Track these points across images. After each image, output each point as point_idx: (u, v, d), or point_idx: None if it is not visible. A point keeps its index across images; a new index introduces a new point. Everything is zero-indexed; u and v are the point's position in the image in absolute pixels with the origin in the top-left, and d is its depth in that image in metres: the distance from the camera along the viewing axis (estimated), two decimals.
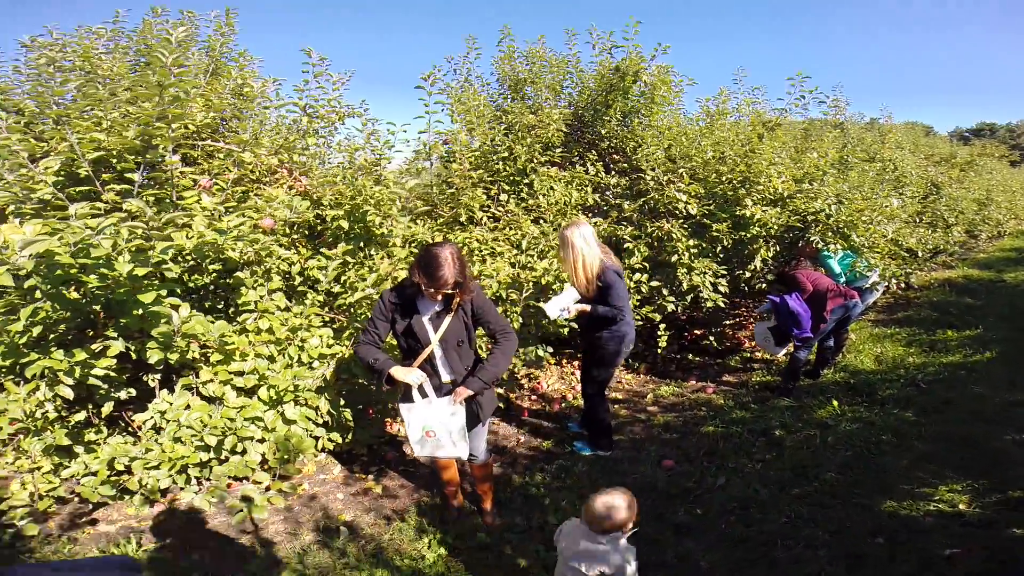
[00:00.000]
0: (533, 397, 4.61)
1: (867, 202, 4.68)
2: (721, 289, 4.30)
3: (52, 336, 2.58)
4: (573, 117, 5.58)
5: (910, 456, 3.25)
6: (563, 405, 4.39)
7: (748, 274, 4.70)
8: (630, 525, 1.83)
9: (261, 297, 3.15)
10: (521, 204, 4.46)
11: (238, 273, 3.13)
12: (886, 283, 4.87)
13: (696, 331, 5.85)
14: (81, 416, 2.85)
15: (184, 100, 2.91)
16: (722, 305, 4.32)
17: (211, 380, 2.87)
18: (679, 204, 4.31)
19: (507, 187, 4.58)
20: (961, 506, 2.68)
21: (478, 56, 5.57)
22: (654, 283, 4.17)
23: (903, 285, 7.23)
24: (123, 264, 2.27)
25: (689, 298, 4.39)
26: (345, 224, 3.35)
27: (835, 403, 4.02)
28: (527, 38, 6.18)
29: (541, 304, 3.17)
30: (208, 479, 2.85)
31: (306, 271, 3.34)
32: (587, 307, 3.13)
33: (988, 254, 11.89)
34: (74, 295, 2.52)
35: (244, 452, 2.86)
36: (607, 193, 5.10)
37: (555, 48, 5.76)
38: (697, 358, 5.35)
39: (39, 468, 2.76)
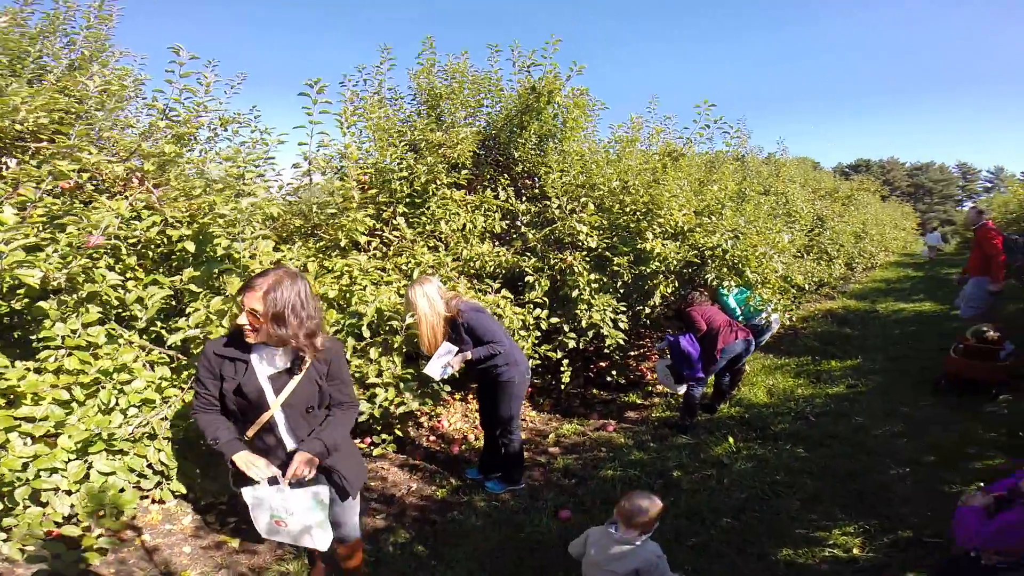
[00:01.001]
0: (432, 437, 4.23)
1: (760, 236, 4.79)
2: (621, 326, 4.19)
3: None
4: (488, 137, 5.34)
5: (802, 496, 3.22)
6: (463, 447, 4.06)
7: (648, 310, 4.64)
8: (655, 526, 2.04)
9: (73, 331, 2.57)
10: (417, 229, 4.11)
11: (41, 302, 2.53)
12: (780, 319, 5.01)
13: (602, 363, 5.76)
14: None
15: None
16: (622, 343, 4.20)
17: None
18: (580, 236, 4.15)
19: (404, 209, 4.21)
20: (855, 550, 2.65)
21: (392, 67, 5.26)
22: (554, 320, 3.97)
23: (792, 319, 7.63)
24: None
25: (591, 334, 4.24)
26: (191, 246, 2.82)
27: (731, 440, 4.00)
28: (451, 51, 5.86)
29: (424, 371, 3.03)
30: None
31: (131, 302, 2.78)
32: (468, 354, 3.02)
33: (863, 285, 12.97)
34: None
35: (46, 504, 2.43)
36: (518, 221, 4.90)
37: (478, 64, 5.53)
38: (601, 392, 5.22)
39: None
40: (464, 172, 4.48)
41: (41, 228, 2.60)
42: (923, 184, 52.41)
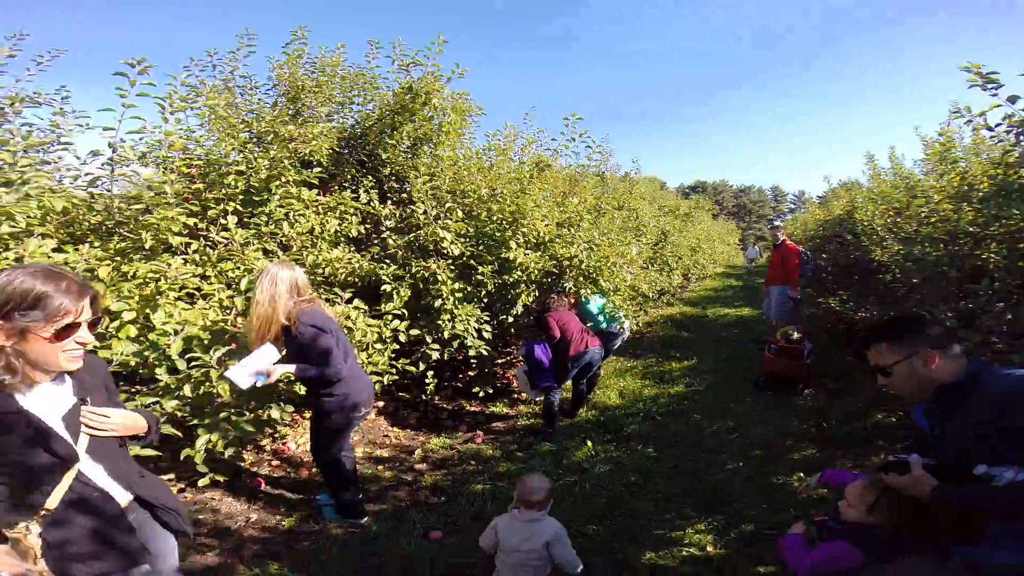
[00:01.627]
0: (275, 462, 3.74)
1: (612, 248, 5.09)
2: (486, 336, 4.12)
3: None
4: (355, 136, 4.97)
5: (655, 496, 3.40)
6: (313, 471, 3.61)
7: (511, 319, 4.65)
8: (550, 502, 2.29)
9: None
10: (253, 231, 3.61)
11: None
12: (630, 326, 5.36)
13: (471, 372, 5.66)
14: None
15: None
16: (485, 353, 4.14)
17: None
18: (444, 243, 4.01)
19: (237, 207, 3.65)
20: (709, 548, 2.80)
21: (250, 54, 4.67)
22: (414, 332, 3.76)
23: (640, 325, 8.28)
24: None
25: (455, 345, 4.11)
26: None
27: (589, 444, 4.13)
28: (326, 44, 5.36)
29: (226, 373, 2.41)
30: None
31: None
32: (291, 369, 2.52)
33: (696, 293, 14.67)
34: None
35: None
36: (381, 226, 4.59)
37: (356, 60, 5.14)
38: (470, 403, 5.11)
39: None
40: (317, 170, 4.06)
41: None
42: (745, 204, 61.70)
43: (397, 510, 3.23)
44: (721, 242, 23.24)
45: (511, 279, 4.29)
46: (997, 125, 3.09)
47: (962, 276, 3.79)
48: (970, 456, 1.41)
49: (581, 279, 4.76)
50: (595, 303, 4.96)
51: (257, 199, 3.72)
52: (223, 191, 3.58)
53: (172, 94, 3.45)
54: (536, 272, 4.43)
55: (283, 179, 3.77)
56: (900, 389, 1.57)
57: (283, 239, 3.78)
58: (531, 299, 4.62)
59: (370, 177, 4.72)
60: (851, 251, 6.99)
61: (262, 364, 2.42)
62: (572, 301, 4.83)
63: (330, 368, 2.52)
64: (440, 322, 3.81)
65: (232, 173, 3.62)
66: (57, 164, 3.50)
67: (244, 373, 2.36)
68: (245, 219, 3.68)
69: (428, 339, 3.88)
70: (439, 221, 4.11)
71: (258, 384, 2.43)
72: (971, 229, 4.00)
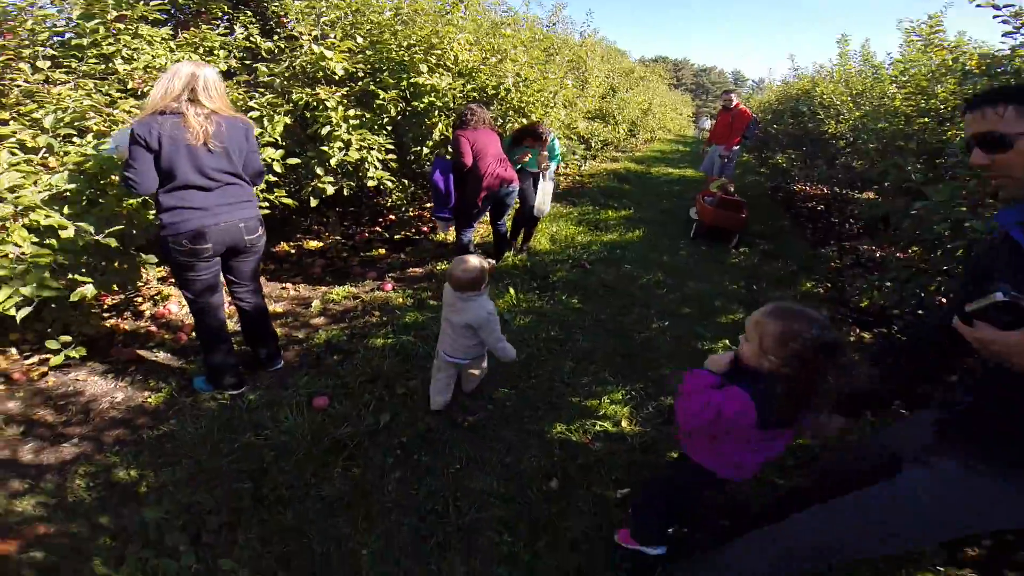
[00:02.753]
0: (154, 327, 3.22)
1: (546, 81, 4.42)
2: (392, 167, 3.52)
3: None
4: None
5: (575, 355, 3.11)
6: (194, 335, 3.12)
7: (427, 150, 4.02)
8: (485, 282, 2.21)
9: None
10: (79, 70, 2.88)
11: None
12: (557, 167, 4.78)
13: (391, 217, 5.12)
14: None
15: None
16: (390, 184, 3.57)
17: None
18: (329, 65, 3.26)
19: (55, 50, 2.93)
20: (623, 423, 2.55)
21: None
22: (293, 161, 3.11)
23: (578, 169, 7.87)
24: None
25: (359, 176, 3.50)
26: None
27: (512, 291, 3.82)
28: None
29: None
30: None
31: None
32: (118, 154, 2.26)
33: (643, 153, 14.28)
34: None
35: None
36: (259, 60, 3.76)
37: None
38: (384, 250, 4.64)
39: None
40: (155, 3, 3.21)
41: None
42: (703, 84, 60.68)
43: (285, 372, 2.82)
44: (674, 111, 22.58)
45: (422, 105, 3.62)
46: (1006, 5, 2.50)
47: (920, 151, 3.50)
48: None
49: (511, 112, 4.13)
50: (557, 143, 4.30)
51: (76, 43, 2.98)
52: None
53: None
54: (455, 98, 3.80)
55: (105, 17, 2.97)
56: (1008, 170, 1.11)
57: (121, 76, 2.95)
58: (450, 128, 3.99)
59: (248, 12, 3.72)
60: (806, 122, 6.74)
61: (120, 139, 2.20)
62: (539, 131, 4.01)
63: (122, 180, 2.11)
64: (327, 148, 3.16)
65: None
66: None
67: (122, 136, 2.17)
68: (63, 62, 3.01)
69: (319, 170, 3.25)
70: (323, 41, 3.30)
71: (113, 151, 2.33)
72: (940, 107, 3.65)
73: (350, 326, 3.33)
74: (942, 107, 3.69)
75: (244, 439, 2.29)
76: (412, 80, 3.64)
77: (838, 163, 5.48)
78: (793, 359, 1.19)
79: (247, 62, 3.79)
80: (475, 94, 4.07)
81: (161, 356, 2.93)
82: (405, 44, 3.81)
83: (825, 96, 6.47)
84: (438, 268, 4.31)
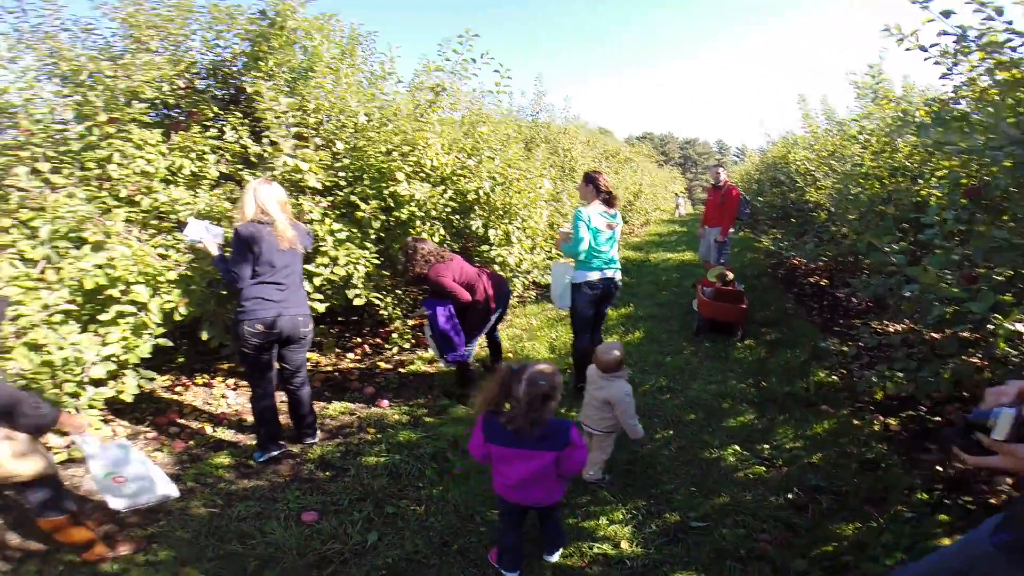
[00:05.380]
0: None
1: (523, 182, 4.49)
2: (385, 284, 3.58)
3: None
4: (213, 70, 4.20)
5: None
6: (192, 442, 3.18)
7: None
8: (623, 366, 2.67)
9: None
10: (76, 176, 2.97)
11: None
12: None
13: (390, 328, 5.13)
14: None
15: None
16: (377, 303, 3.62)
17: None
18: (304, 177, 3.40)
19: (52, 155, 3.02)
20: (623, 544, 2.34)
21: None
22: None
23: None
24: None
25: (351, 294, 3.56)
26: None
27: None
28: None
29: (188, 218, 2.91)
30: None
31: None
32: (213, 249, 2.82)
33: (640, 238, 14.20)
34: None
35: None
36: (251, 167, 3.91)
37: None
38: (383, 363, 4.61)
39: None
40: (140, 107, 3.35)
41: None
42: (690, 156, 62.58)
43: (275, 487, 2.78)
44: (665, 189, 23.12)
45: (404, 215, 3.71)
46: (932, 45, 2.55)
47: (900, 214, 3.47)
48: None
49: (493, 217, 4.24)
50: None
51: (73, 143, 3.11)
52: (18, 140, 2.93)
53: None
54: (435, 208, 3.84)
55: (96, 119, 3.14)
56: None
57: (114, 183, 3.12)
58: (437, 238, 4.04)
59: (238, 114, 3.99)
60: (786, 192, 6.83)
61: (209, 233, 2.83)
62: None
63: (226, 273, 2.73)
64: (312, 267, 3.24)
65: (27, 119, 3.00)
66: None
67: (199, 227, 2.81)
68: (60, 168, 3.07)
69: (307, 287, 3.32)
70: (298, 152, 3.50)
71: (190, 240, 2.84)
72: (908, 164, 3.74)
73: (344, 442, 3.26)
74: (908, 163, 3.63)
75: (230, 547, 2.31)
76: (391, 190, 3.68)
77: (826, 237, 5.37)
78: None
79: (238, 166, 3.83)
80: (454, 203, 4.07)
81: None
82: (384, 149, 3.86)
83: (799, 163, 6.41)
84: (437, 383, 4.15)
